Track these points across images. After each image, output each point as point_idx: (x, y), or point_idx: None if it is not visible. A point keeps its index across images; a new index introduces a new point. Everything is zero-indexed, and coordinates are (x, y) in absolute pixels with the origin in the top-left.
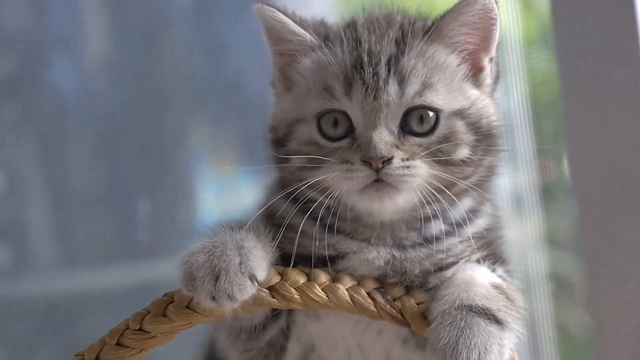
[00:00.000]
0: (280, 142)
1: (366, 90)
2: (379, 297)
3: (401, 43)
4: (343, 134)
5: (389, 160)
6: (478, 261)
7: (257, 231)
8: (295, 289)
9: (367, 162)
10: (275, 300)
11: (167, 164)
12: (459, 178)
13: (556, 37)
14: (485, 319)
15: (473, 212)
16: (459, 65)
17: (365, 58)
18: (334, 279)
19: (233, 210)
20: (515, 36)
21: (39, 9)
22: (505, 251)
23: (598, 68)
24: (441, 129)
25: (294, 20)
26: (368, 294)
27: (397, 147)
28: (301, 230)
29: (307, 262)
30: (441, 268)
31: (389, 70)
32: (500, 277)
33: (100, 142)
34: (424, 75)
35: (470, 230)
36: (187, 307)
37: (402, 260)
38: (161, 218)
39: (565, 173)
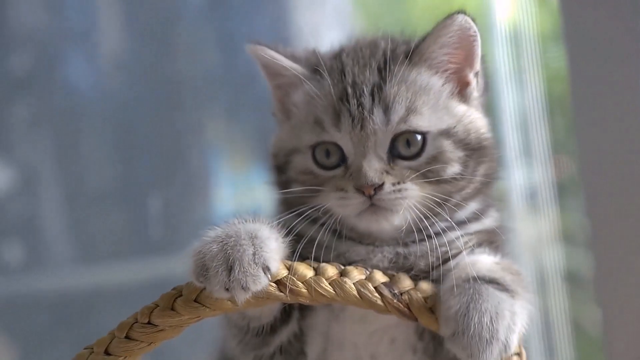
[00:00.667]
0: (280, 168)
1: (353, 121)
2: (385, 292)
3: (383, 70)
4: (336, 163)
5: (380, 186)
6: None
7: (270, 223)
8: (303, 283)
9: (359, 189)
10: (283, 294)
11: (181, 160)
12: (453, 192)
13: (566, 34)
14: (494, 286)
15: (480, 212)
16: (443, 84)
17: (350, 90)
18: (342, 273)
19: (248, 205)
20: (530, 32)
21: (54, 7)
22: (509, 253)
23: (607, 65)
24: (429, 150)
25: (285, 55)
26: (375, 288)
27: (387, 172)
28: (311, 237)
29: None
30: (446, 260)
31: (373, 100)
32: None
33: (115, 139)
34: (408, 100)
35: (474, 226)
36: (195, 300)
37: (406, 255)
38: (175, 214)
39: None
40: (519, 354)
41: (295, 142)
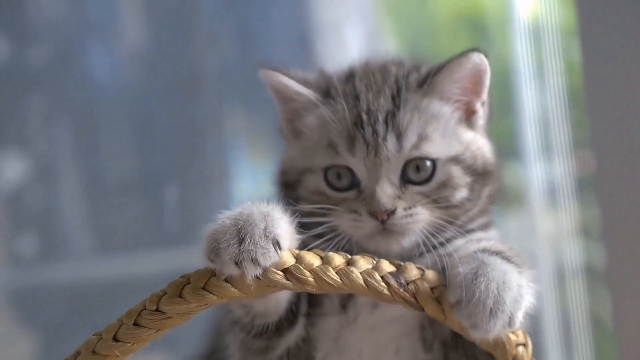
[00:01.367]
0: (290, 185)
1: (367, 147)
2: (392, 281)
3: (396, 98)
4: (348, 186)
5: (392, 211)
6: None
7: (284, 210)
8: (309, 271)
9: (373, 214)
10: (289, 282)
11: (201, 151)
12: (460, 214)
13: (581, 29)
14: (501, 257)
15: (484, 225)
16: (452, 112)
17: (365, 117)
18: (349, 262)
19: (266, 197)
20: (551, 26)
21: None
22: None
23: (622, 59)
24: (439, 176)
25: (297, 80)
26: (382, 277)
27: (399, 197)
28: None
29: None
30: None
31: (387, 127)
32: None
33: (133, 130)
34: (420, 127)
35: (479, 235)
36: (202, 288)
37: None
38: (193, 206)
39: None
40: (524, 345)
41: (308, 162)
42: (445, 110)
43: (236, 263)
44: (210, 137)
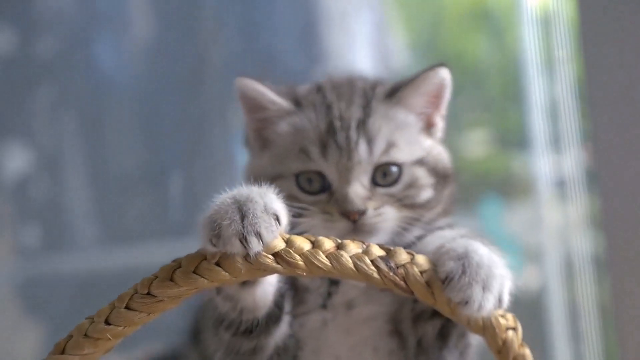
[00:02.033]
0: None
1: (340, 152)
2: (382, 265)
3: (366, 107)
4: (319, 189)
5: (363, 212)
6: None
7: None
8: (300, 255)
9: (345, 214)
10: (280, 266)
11: (207, 143)
12: (425, 212)
13: (582, 22)
14: (480, 243)
15: (451, 225)
16: (416, 122)
17: (337, 123)
18: (339, 246)
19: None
20: (561, 17)
21: None
22: None
23: (623, 50)
24: (405, 178)
25: (271, 89)
26: (372, 261)
27: (369, 198)
28: None
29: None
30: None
31: (358, 133)
32: None
33: (140, 122)
34: (388, 134)
35: (449, 232)
36: (193, 272)
37: None
38: (199, 197)
39: None
40: (514, 329)
41: (279, 169)
42: (410, 119)
43: (240, 240)
44: (217, 128)
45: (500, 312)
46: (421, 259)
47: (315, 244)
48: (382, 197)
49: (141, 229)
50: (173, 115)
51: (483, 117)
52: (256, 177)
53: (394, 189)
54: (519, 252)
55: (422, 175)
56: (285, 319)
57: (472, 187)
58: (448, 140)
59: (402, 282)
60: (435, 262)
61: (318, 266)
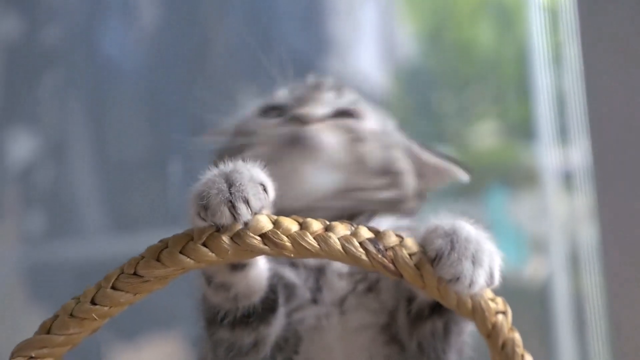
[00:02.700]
0: None
1: None
2: (370, 247)
3: None
4: None
5: None
6: None
7: None
8: (287, 236)
9: None
10: (267, 247)
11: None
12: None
13: (580, 16)
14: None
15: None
16: None
17: None
18: (327, 228)
19: None
20: (569, 9)
21: None
22: None
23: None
24: None
25: None
26: (360, 243)
27: None
28: None
29: None
30: None
31: None
32: None
33: (146, 108)
34: None
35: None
36: (180, 252)
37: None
38: None
39: None
40: (504, 312)
41: None
42: None
43: (228, 209)
44: (223, 116)
45: (490, 295)
46: (410, 242)
47: (303, 226)
48: None
49: (147, 215)
50: (182, 103)
51: (490, 109)
52: None
53: None
54: (525, 242)
55: None
56: (282, 310)
57: (479, 178)
58: (455, 131)
59: (390, 265)
60: (424, 241)
61: (306, 248)
